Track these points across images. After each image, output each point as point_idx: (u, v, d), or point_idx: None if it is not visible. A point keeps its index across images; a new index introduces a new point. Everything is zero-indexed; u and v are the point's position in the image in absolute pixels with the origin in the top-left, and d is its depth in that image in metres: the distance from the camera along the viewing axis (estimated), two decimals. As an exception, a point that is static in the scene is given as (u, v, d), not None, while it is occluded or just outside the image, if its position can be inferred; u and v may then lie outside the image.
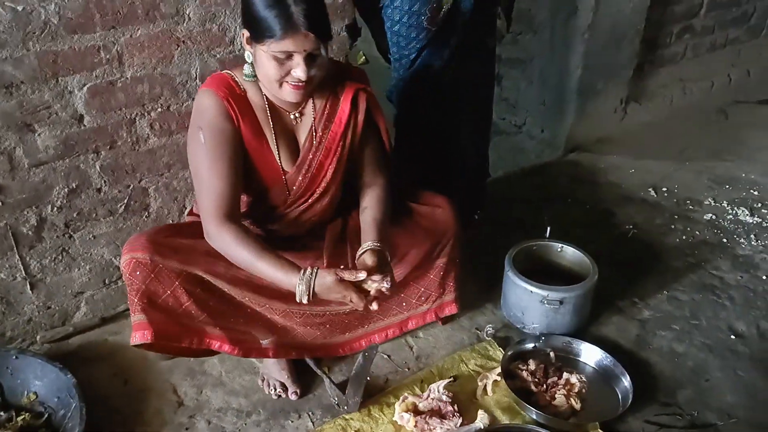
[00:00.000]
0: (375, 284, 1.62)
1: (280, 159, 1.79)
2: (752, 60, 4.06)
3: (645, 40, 3.37)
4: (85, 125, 1.93)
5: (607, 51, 3.21)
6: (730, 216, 2.90)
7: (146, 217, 2.17)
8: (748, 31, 3.98)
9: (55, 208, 2.00)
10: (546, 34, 3.25)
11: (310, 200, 1.86)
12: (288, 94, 1.67)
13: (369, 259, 1.70)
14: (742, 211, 2.92)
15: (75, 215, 2.04)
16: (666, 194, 3.07)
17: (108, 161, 2.02)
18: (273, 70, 1.61)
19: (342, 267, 1.68)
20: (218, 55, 2.04)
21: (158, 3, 1.88)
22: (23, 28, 1.73)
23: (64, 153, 1.94)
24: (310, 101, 1.81)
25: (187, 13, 1.93)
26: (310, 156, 1.81)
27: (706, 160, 3.35)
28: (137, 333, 1.74)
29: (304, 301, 1.60)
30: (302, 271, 1.60)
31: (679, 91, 3.79)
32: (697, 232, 2.79)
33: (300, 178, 1.82)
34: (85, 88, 1.89)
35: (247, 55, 1.68)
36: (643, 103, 3.64)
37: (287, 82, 1.64)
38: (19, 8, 1.71)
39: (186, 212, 2.12)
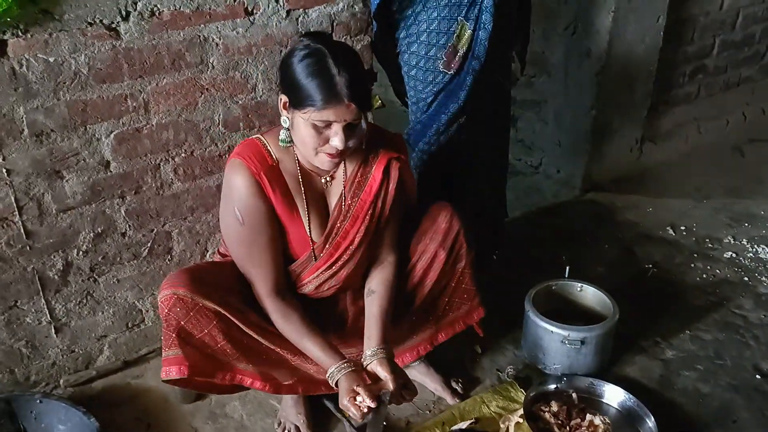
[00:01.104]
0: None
1: (310, 230, 1.79)
2: (766, 98, 4.09)
3: (658, 80, 3.41)
4: (111, 171, 1.98)
5: (621, 91, 3.25)
6: (751, 254, 2.89)
7: (169, 260, 2.20)
8: (761, 69, 4.01)
9: (81, 252, 2.03)
10: (560, 76, 3.30)
11: (334, 267, 1.84)
12: (323, 163, 1.67)
13: (382, 372, 1.71)
14: (763, 248, 2.91)
15: (100, 259, 2.08)
16: (685, 233, 3.06)
17: (133, 206, 2.06)
18: (310, 138, 1.61)
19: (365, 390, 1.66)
20: (241, 102, 2.09)
21: (183, 53, 1.94)
22: (54, 78, 1.79)
23: (90, 198, 1.98)
24: (341, 166, 1.80)
25: (211, 61, 1.99)
26: (338, 224, 1.81)
27: (724, 198, 3.35)
28: (173, 368, 1.72)
29: (331, 385, 1.71)
30: (339, 363, 1.69)
31: (694, 130, 3.80)
32: (717, 271, 2.78)
33: (327, 246, 1.82)
34: (112, 135, 1.94)
35: (284, 120, 1.68)
36: (659, 143, 3.66)
37: (323, 151, 1.64)
38: (51, 60, 1.77)
39: (215, 251, 2.12)
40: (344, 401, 1.64)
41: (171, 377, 1.73)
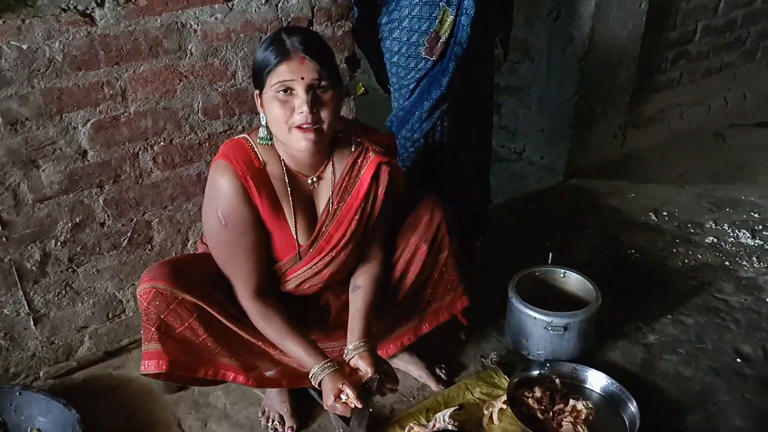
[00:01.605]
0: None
1: (296, 234, 1.77)
2: (748, 83, 4.11)
3: (641, 67, 3.41)
4: (89, 160, 1.95)
5: (604, 78, 3.25)
6: (732, 239, 2.91)
7: (150, 250, 2.18)
8: (743, 55, 4.03)
9: (59, 243, 2.01)
10: (543, 62, 3.30)
11: (315, 267, 1.81)
12: (299, 141, 1.60)
13: (363, 365, 1.71)
14: (744, 233, 2.93)
15: (79, 249, 2.05)
16: (667, 218, 3.08)
17: (112, 195, 2.03)
18: (277, 110, 1.58)
19: (348, 389, 1.65)
20: (220, 89, 2.07)
21: (161, 39, 1.91)
22: (29, 65, 1.76)
23: (68, 188, 1.95)
24: (329, 167, 1.77)
25: (190, 48, 1.97)
26: (323, 229, 1.78)
27: (706, 184, 3.37)
28: (150, 362, 1.69)
29: (314, 384, 1.71)
30: (322, 363, 1.69)
31: (677, 116, 3.82)
32: (699, 256, 2.80)
33: (310, 249, 1.79)
34: (89, 124, 1.91)
35: (262, 117, 1.67)
36: (642, 129, 3.67)
37: (294, 125, 1.59)
38: (24, 47, 1.74)
39: (197, 242, 2.11)
40: (329, 401, 1.64)
41: (150, 372, 1.70)
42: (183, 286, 1.67)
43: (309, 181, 1.77)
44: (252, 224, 1.70)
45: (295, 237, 1.76)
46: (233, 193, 1.66)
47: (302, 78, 1.55)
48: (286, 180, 1.72)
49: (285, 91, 1.57)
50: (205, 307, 1.70)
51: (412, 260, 1.95)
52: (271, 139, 1.69)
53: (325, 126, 1.62)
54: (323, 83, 1.58)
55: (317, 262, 1.80)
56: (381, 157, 1.77)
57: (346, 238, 1.78)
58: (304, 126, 1.58)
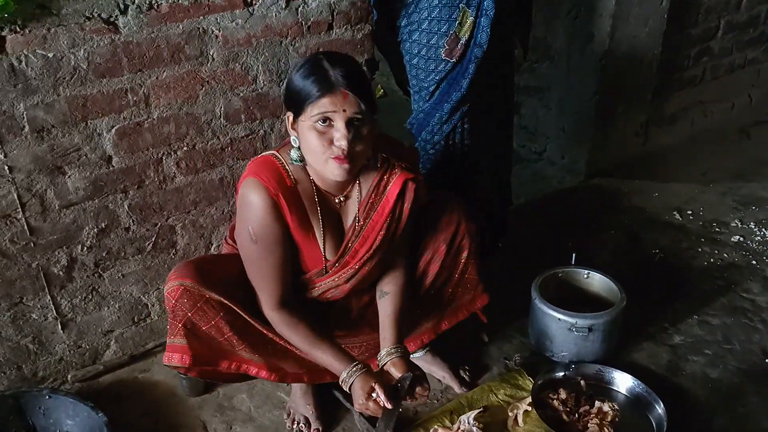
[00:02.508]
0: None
1: (324, 249, 1.80)
2: (772, 80, 4.05)
3: (663, 64, 3.37)
4: (113, 166, 1.98)
5: (625, 76, 3.22)
6: (758, 237, 2.87)
7: (173, 254, 2.20)
8: (767, 51, 3.97)
9: (85, 248, 2.03)
10: (563, 62, 3.28)
11: (338, 279, 1.83)
12: (333, 171, 1.62)
13: (395, 371, 1.75)
14: (770, 231, 2.89)
15: (104, 254, 2.07)
16: (691, 217, 3.04)
17: (136, 200, 2.05)
18: (316, 142, 1.59)
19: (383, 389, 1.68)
20: (242, 94, 2.08)
21: (183, 46, 1.93)
22: (54, 74, 1.78)
23: (93, 194, 1.98)
24: (356, 185, 1.79)
25: (211, 54, 1.98)
26: (350, 245, 1.81)
27: (731, 181, 3.33)
28: (174, 354, 1.74)
29: (345, 389, 1.73)
30: (350, 367, 1.71)
31: (700, 114, 3.77)
32: (725, 255, 2.76)
33: (337, 264, 1.82)
34: (113, 130, 1.93)
35: (293, 140, 1.68)
36: (664, 127, 3.63)
37: (331, 156, 1.60)
38: (50, 55, 1.76)
39: (221, 244, 2.13)
40: (360, 401, 1.67)
41: (173, 363, 1.76)
42: (209, 284, 1.71)
43: (336, 200, 1.79)
44: (282, 240, 1.73)
45: (323, 253, 1.80)
46: (265, 210, 1.68)
47: (344, 111, 1.57)
48: (316, 199, 1.75)
49: (324, 121, 1.58)
50: (231, 305, 1.73)
51: (431, 260, 1.97)
52: (303, 161, 1.70)
53: (359, 157, 1.65)
54: (362, 117, 1.60)
55: (341, 275, 1.83)
56: (407, 174, 1.78)
57: (370, 253, 1.80)
58: (341, 155, 1.60)
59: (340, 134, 1.58)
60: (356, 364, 1.71)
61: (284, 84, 1.68)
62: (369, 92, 1.63)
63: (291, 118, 1.66)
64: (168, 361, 1.76)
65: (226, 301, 1.72)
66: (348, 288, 1.85)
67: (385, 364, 1.78)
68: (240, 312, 1.75)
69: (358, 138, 1.61)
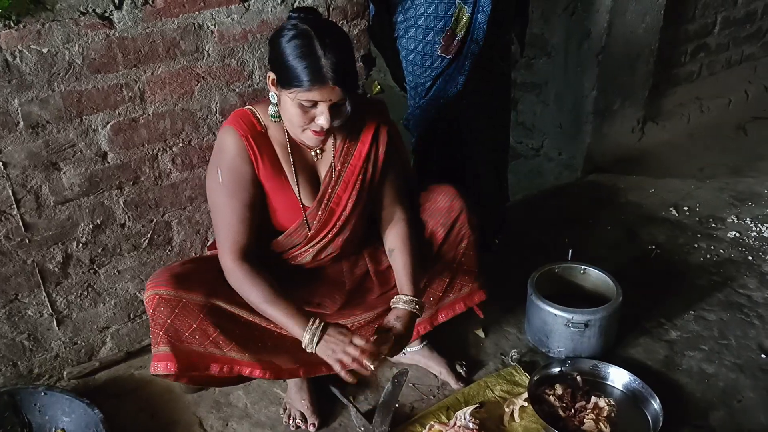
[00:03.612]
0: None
1: (300, 194, 1.81)
2: (769, 75, 4.06)
3: (659, 60, 3.38)
4: (108, 162, 1.97)
5: (622, 72, 3.22)
6: (754, 233, 2.87)
7: (169, 250, 2.19)
8: (764, 47, 3.97)
9: (81, 245, 2.03)
10: (560, 58, 3.27)
11: (330, 235, 1.85)
12: (309, 140, 1.71)
13: (395, 320, 1.74)
14: (766, 227, 2.89)
15: (100, 251, 2.07)
16: (688, 213, 3.04)
17: (131, 197, 2.05)
18: (297, 117, 1.64)
19: (350, 327, 1.69)
20: (237, 89, 2.07)
21: (178, 41, 1.92)
22: (48, 69, 1.78)
23: (88, 190, 1.97)
24: (330, 139, 1.82)
25: (207, 49, 1.97)
26: (329, 190, 1.82)
27: (727, 177, 3.33)
28: (160, 363, 1.72)
29: (309, 351, 1.66)
30: (310, 323, 1.66)
31: (696, 109, 3.78)
32: (721, 251, 2.76)
33: (320, 213, 1.82)
34: (108, 126, 1.93)
35: (272, 96, 1.71)
36: (661, 123, 3.64)
37: (309, 128, 1.66)
38: (45, 50, 1.75)
39: (207, 245, 2.14)
40: (339, 353, 1.63)
41: (159, 372, 1.73)
42: (186, 287, 1.72)
43: (312, 153, 1.82)
44: (248, 183, 1.74)
45: (299, 197, 1.80)
46: (234, 151, 1.72)
47: (330, 100, 1.61)
48: (288, 147, 1.78)
49: (309, 103, 1.62)
50: (212, 302, 1.73)
51: (429, 245, 1.98)
52: (279, 118, 1.74)
53: (334, 129, 1.71)
54: (345, 101, 1.64)
55: (331, 229, 1.83)
56: (378, 118, 1.84)
57: (353, 200, 1.83)
58: (319, 131, 1.66)
59: (323, 118, 1.63)
60: (316, 319, 1.67)
61: (270, 43, 1.67)
62: (355, 78, 1.69)
63: (273, 78, 1.67)
64: (154, 371, 1.73)
65: (204, 300, 1.72)
66: (340, 242, 1.86)
67: (397, 305, 1.77)
68: (223, 305, 1.75)
69: (338, 116, 1.66)
